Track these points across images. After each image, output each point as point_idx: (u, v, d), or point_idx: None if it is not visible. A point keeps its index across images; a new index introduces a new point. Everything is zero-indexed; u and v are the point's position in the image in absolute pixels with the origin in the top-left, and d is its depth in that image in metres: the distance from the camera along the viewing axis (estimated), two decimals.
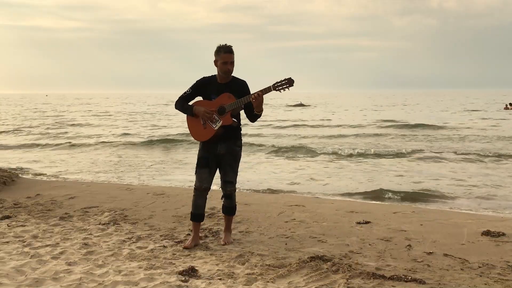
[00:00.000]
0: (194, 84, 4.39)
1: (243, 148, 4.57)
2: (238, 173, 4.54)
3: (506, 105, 40.54)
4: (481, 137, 18.07)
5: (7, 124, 27.59)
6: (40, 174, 10.46)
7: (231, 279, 3.57)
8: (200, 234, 4.82)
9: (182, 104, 4.39)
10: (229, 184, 4.43)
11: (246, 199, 6.88)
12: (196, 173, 4.42)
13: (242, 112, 4.40)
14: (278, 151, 14.48)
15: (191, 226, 4.63)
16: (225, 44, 4.26)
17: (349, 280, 3.52)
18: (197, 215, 4.49)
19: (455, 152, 13.49)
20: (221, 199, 4.58)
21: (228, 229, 4.66)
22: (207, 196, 4.52)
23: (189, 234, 4.77)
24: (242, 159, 4.57)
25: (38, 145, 17.37)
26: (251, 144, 15.64)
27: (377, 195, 7.94)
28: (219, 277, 3.60)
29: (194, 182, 4.46)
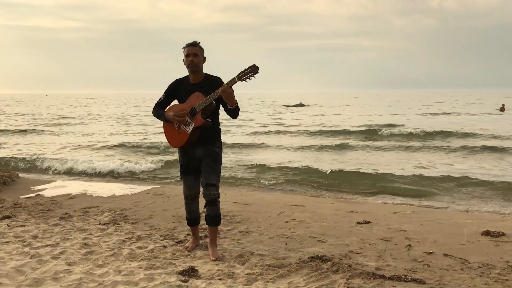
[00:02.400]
0: (167, 89, 4.19)
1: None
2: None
3: (502, 106, 40.79)
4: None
5: None
6: None
7: (231, 279, 3.57)
8: (200, 234, 4.82)
9: (156, 111, 4.18)
10: (211, 187, 4.04)
11: (246, 199, 6.89)
12: (181, 180, 4.28)
13: (221, 111, 4.14)
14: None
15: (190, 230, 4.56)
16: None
17: (349, 280, 3.52)
18: (193, 219, 4.39)
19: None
20: (204, 207, 4.16)
21: (214, 242, 4.20)
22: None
23: (189, 234, 4.77)
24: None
25: None
26: None
27: None
28: (219, 277, 3.60)
29: (183, 190, 4.30)
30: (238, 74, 3.83)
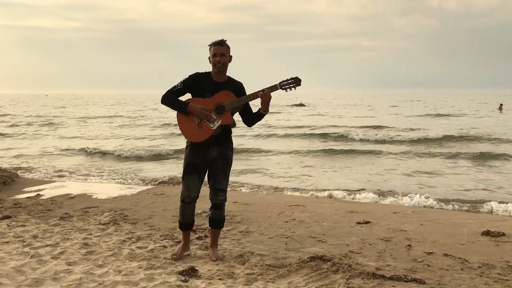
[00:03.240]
0: (187, 79, 3.96)
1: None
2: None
3: (500, 105, 41.30)
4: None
5: None
6: None
7: (231, 279, 3.57)
8: (200, 234, 4.82)
9: (172, 99, 3.94)
10: (221, 192, 4.00)
11: (246, 199, 6.89)
12: (183, 180, 4.02)
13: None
14: None
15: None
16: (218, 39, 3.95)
17: (349, 280, 3.52)
18: (187, 224, 4.16)
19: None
20: (209, 210, 4.17)
21: (215, 244, 4.20)
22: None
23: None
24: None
25: None
26: None
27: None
28: (219, 277, 3.60)
29: (181, 191, 4.06)
30: (280, 83, 3.91)
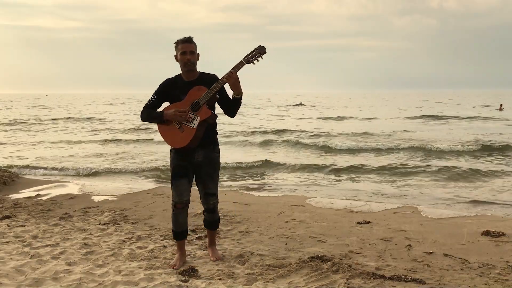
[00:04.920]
0: (158, 89, 3.85)
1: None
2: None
3: (500, 105, 41.85)
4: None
5: None
6: None
7: (231, 279, 3.57)
8: (200, 234, 4.82)
9: (148, 113, 3.85)
10: (211, 196, 3.92)
11: (246, 199, 6.89)
12: (172, 185, 3.87)
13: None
14: None
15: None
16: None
17: (349, 280, 3.52)
18: (181, 233, 3.97)
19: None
20: (202, 213, 4.12)
21: (213, 243, 4.16)
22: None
23: (189, 234, 4.76)
24: None
25: None
26: None
27: None
28: (219, 277, 3.60)
29: (172, 197, 3.91)
30: (245, 57, 3.67)
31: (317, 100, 71.54)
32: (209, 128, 3.82)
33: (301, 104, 53.44)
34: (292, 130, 21.39)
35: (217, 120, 3.90)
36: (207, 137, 3.82)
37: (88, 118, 31.65)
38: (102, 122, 28.85)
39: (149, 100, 3.87)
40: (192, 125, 3.70)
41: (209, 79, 3.78)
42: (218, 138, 4.01)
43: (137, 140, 18.25)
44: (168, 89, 3.83)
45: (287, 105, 52.61)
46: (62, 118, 32.04)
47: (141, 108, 3.97)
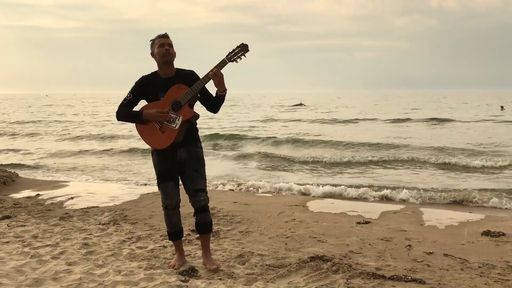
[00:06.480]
0: (134, 87, 3.70)
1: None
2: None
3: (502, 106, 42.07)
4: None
5: None
6: None
7: (231, 279, 3.57)
8: (196, 236, 4.80)
9: (125, 111, 3.68)
10: (201, 192, 3.72)
11: (246, 199, 6.89)
12: (159, 189, 3.80)
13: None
14: None
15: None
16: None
17: (349, 280, 3.52)
18: (175, 233, 3.91)
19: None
20: (193, 216, 3.87)
21: (208, 251, 3.92)
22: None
23: (189, 234, 4.77)
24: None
25: None
26: None
27: None
28: (219, 277, 3.60)
29: (161, 199, 3.84)
30: (227, 55, 3.60)
31: (333, 103, 64.35)
32: (190, 126, 3.72)
33: (301, 104, 53.38)
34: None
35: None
36: (188, 135, 3.70)
37: (88, 117, 31.61)
38: (102, 123, 28.91)
39: (125, 98, 3.73)
40: (174, 126, 3.60)
41: (186, 76, 3.68)
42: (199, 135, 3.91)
43: (137, 139, 18.26)
44: (145, 86, 3.69)
45: (288, 106, 52.55)
46: (63, 120, 32.08)
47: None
